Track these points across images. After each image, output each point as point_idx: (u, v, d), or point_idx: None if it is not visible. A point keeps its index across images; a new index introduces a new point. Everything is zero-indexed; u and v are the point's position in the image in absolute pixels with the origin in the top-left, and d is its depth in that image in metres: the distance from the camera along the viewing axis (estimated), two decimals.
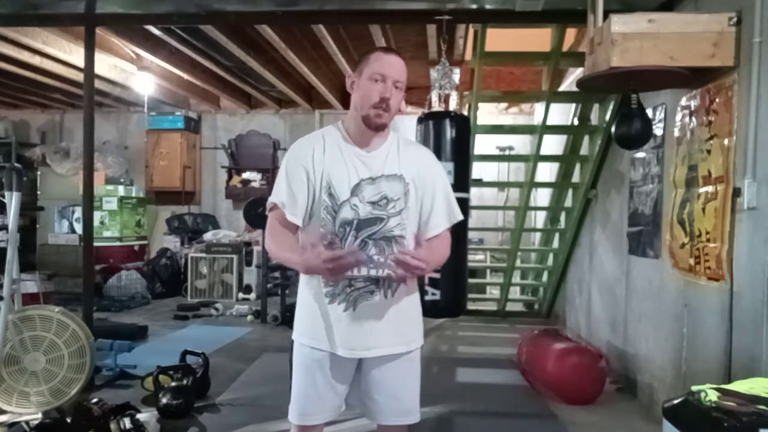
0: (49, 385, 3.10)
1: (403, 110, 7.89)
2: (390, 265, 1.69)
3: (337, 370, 1.80)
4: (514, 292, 6.80)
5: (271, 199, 1.80)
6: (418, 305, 1.89)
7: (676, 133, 3.29)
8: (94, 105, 4.18)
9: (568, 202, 5.59)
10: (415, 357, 1.86)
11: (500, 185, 7.55)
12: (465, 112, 5.12)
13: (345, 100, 8.01)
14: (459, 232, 2.17)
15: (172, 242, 8.04)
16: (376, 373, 1.80)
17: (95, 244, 4.55)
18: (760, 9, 2.49)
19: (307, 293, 1.83)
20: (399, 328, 1.81)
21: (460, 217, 1.88)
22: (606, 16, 2.91)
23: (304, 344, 1.85)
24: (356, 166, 1.76)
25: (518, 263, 6.26)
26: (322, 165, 1.76)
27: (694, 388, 1.89)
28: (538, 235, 6.89)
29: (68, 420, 3.02)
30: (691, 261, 3.01)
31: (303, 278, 1.84)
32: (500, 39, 4.52)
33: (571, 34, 4.86)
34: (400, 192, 1.78)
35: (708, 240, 2.83)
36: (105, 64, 5.96)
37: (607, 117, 4.64)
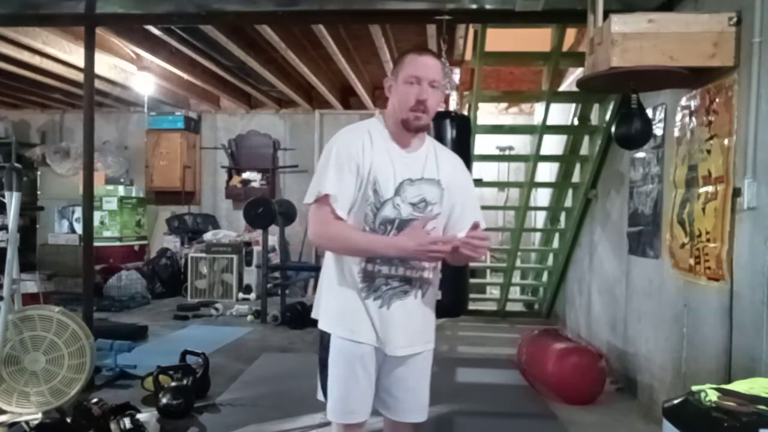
0: (49, 385, 3.10)
1: None
2: (423, 266, 1.77)
3: (374, 365, 1.81)
4: (514, 292, 6.80)
5: (320, 189, 1.73)
6: (434, 305, 1.93)
7: (676, 133, 3.29)
8: (94, 105, 4.18)
9: (568, 202, 5.58)
10: (430, 356, 1.92)
11: (500, 185, 7.56)
12: (465, 112, 5.13)
13: (345, 100, 8.03)
14: None
15: (172, 242, 8.04)
16: (401, 371, 1.83)
17: (95, 244, 4.55)
18: (760, 9, 2.49)
19: (342, 287, 1.79)
20: (423, 328, 1.86)
21: (484, 226, 1.80)
22: (606, 16, 2.91)
23: (345, 338, 1.78)
24: (399, 165, 1.77)
25: (518, 263, 6.26)
26: (370, 159, 1.75)
27: (694, 388, 1.89)
28: (538, 235, 6.89)
29: (68, 420, 3.03)
30: (691, 261, 3.01)
31: (335, 271, 1.81)
32: (500, 39, 4.52)
33: (571, 34, 4.86)
34: (438, 196, 1.81)
35: (708, 240, 2.83)
36: (105, 64, 5.96)
37: (607, 117, 4.64)
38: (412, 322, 1.81)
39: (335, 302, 1.82)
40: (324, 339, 1.83)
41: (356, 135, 1.79)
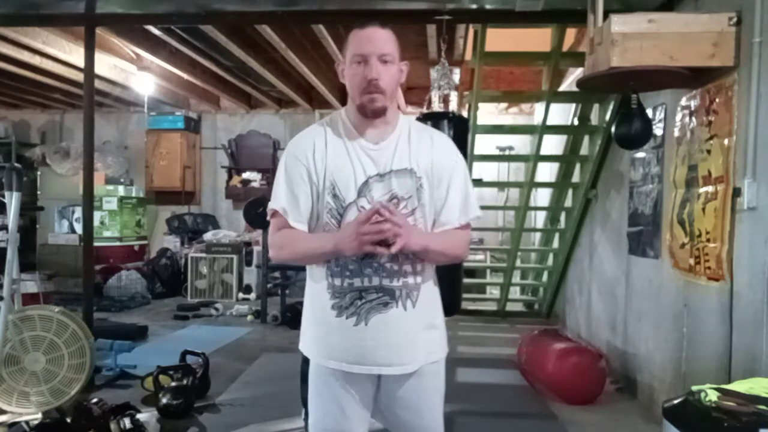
0: (49, 385, 3.10)
1: (403, 109, 7.90)
2: (404, 272, 1.56)
3: (358, 386, 1.61)
4: (514, 292, 6.79)
5: (271, 205, 1.61)
6: (440, 310, 1.69)
7: (676, 133, 3.29)
8: (94, 105, 4.18)
9: (568, 202, 5.58)
10: (438, 369, 1.67)
11: (500, 185, 7.56)
12: (465, 112, 5.13)
13: (345, 100, 7.97)
14: None
15: (172, 242, 8.04)
16: (397, 389, 1.62)
17: (95, 244, 4.56)
18: (760, 9, 2.49)
19: (313, 305, 1.64)
20: (420, 340, 1.61)
21: (477, 212, 1.66)
22: (606, 16, 2.91)
23: (319, 363, 1.64)
24: (362, 161, 1.56)
25: (518, 263, 6.25)
26: (324, 162, 1.57)
27: (694, 388, 1.89)
28: (538, 235, 6.89)
29: (68, 420, 3.03)
30: (691, 261, 3.01)
31: (308, 288, 1.67)
32: (500, 39, 4.51)
33: (571, 34, 4.85)
34: (412, 189, 1.57)
35: (708, 240, 2.83)
36: (105, 64, 5.96)
37: (607, 117, 4.64)
38: (399, 337, 1.57)
39: (306, 321, 1.68)
40: (306, 358, 1.71)
41: (307, 136, 1.63)
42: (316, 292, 1.63)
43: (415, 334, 1.60)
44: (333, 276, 1.59)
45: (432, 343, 1.65)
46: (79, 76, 5.39)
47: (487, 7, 3.76)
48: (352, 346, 1.57)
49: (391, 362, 1.58)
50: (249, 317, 6.25)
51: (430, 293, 1.64)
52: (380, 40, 1.55)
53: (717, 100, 2.82)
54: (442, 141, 1.67)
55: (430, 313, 1.64)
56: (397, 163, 1.57)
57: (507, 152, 7.37)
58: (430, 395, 1.66)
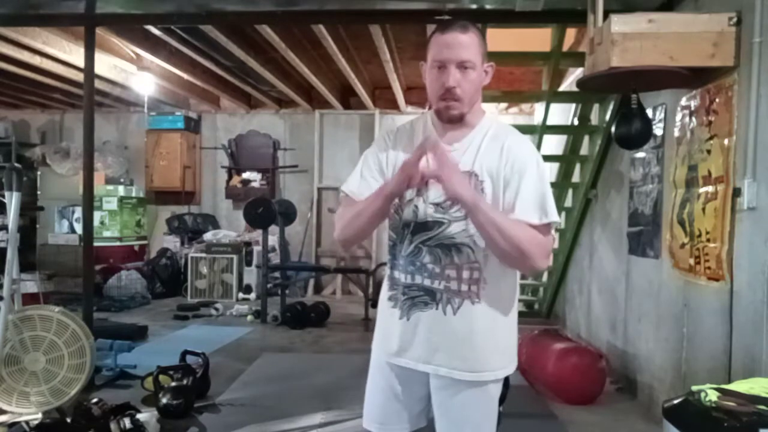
0: (49, 385, 3.10)
1: (404, 111, 7.90)
2: (447, 276, 1.53)
3: (401, 381, 1.64)
4: None
5: (342, 187, 1.65)
6: (504, 328, 1.64)
7: (676, 133, 3.29)
8: (94, 105, 4.18)
9: (568, 202, 5.58)
10: (487, 389, 1.60)
11: None
12: None
13: (345, 100, 8.02)
14: None
15: (172, 242, 8.04)
16: (438, 394, 1.62)
17: (95, 244, 4.55)
18: (760, 9, 2.49)
19: (382, 297, 1.69)
20: (465, 352, 1.56)
21: (555, 217, 1.53)
22: (606, 16, 2.91)
23: (374, 348, 1.71)
24: (430, 162, 1.52)
25: None
26: (395, 159, 1.60)
27: (694, 388, 1.89)
28: None
29: (68, 420, 3.03)
30: (691, 261, 3.01)
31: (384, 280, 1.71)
32: (500, 39, 4.51)
33: (571, 34, 4.85)
34: None
35: (708, 240, 2.83)
36: (105, 64, 5.95)
37: (607, 117, 4.63)
38: (438, 339, 1.56)
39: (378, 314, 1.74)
40: None
41: (392, 133, 1.68)
42: (385, 282, 1.69)
43: (457, 341, 1.56)
44: (392, 268, 1.65)
45: (482, 361, 1.58)
46: (79, 76, 5.39)
47: (487, 7, 3.76)
48: (394, 336, 1.62)
49: (427, 360, 1.58)
50: (249, 317, 6.25)
51: (484, 306, 1.57)
52: (460, 46, 1.51)
53: (717, 100, 2.82)
54: (515, 144, 1.58)
55: (483, 326, 1.57)
56: (462, 165, 1.55)
57: None
58: (470, 411, 1.59)
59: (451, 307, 1.56)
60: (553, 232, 1.57)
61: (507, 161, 1.54)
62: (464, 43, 1.51)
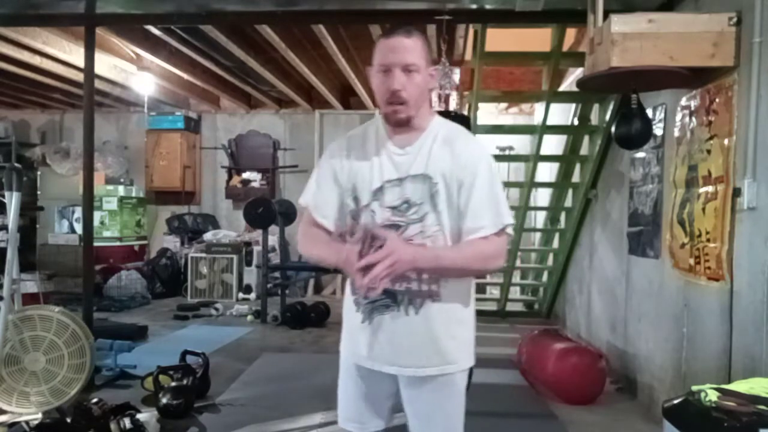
0: (49, 385, 3.10)
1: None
2: (407, 278, 1.55)
3: (370, 381, 1.68)
4: (514, 292, 6.79)
5: (300, 200, 1.70)
6: (464, 322, 1.68)
7: (676, 133, 3.29)
8: (94, 105, 4.18)
9: (568, 202, 5.58)
10: (453, 381, 1.64)
11: None
12: (465, 112, 5.13)
13: (345, 100, 8.03)
14: None
15: (172, 242, 8.04)
16: (407, 392, 1.66)
17: (95, 244, 4.55)
18: (760, 9, 2.49)
19: (346, 298, 1.72)
20: (429, 349, 1.60)
21: (508, 220, 1.56)
22: (606, 16, 2.91)
23: (341, 351, 1.75)
24: (383, 167, 1.59)
25: (518, 263, 6.25)
26: (350, 166, 1.63)
27: (694, 388, 1.89)
28: (538, 235, 6.89)
29: (68, 420, 3.02)
30: (691, 261, 3.01)
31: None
32: (500, 39, 4.51)
33: (571, 34, 4.85)
34: (425, 194, 1.55)
35: (708, 240, 2.83)
36: (105, 64, 5.95)
37: (607, 117, 4.64)
38: (402, 340, 1.59)
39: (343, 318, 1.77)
40: None
41: (344, 140, 1.70)
42: (348, 288, 1.71)
43: (421, 339, 1.59)
44: None
45: (446, 355, 1.62)
46: (79, 76, 5.39)
47: (487, 7, 3.76)
48: (360, 340, 1.65)
49: (392, 362, 1.62)
50: (249, 317, 6.25)
51: (443, 304, 1.61)
52: (404, 50, 1.53)
53: (717, 100, 2.82)
54: (465, 145, 1.60)
55: (439, 323, 1.60)
56: (415, 168, 1.57)
57: (507, 152, 7.35)
58: (440, 405, 1.64)
59: (413, 307, 1.59)
60: (508, 230, 1.59)
61: (458, 163, 1.56)
62: (408, 47, 1.53)
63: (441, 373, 1.61)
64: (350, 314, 1.69)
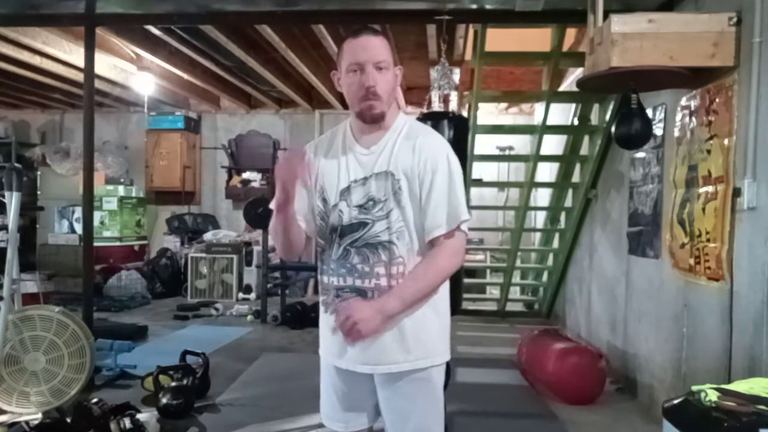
0: (49, 385, 3.10)
1: (404, 109, 7.90)
2: (376, 274, 1.58)
3: (348, 381, 1.69)
4: (514, 292, 6.79)
5: (270, 205, 1.68)
6: (436, 317, 1.65)
7: (676, 133, 3.29)
8: (94, 105, 4.18)
9: (568, 202, 5.59)
10: (428, 376, 1.64)
11: (500, 185, 7.55)
12: (465, 112, 5.13)
13: (345, 100, 8.01)
14: None
15: (172, 242, 8.04)
16: (383, 390, 1.66)
17: (95, 244, 4.55)
18: (760, 9, 2.49)
19: (319, 299, 1.75)
20: (399, 345, 1.60)
21: (464, 216, 1.60)
22: (606, 16, 2.91)
23: (320, 351, 1.76)
24: (350, 167, 1.63)
25: (518, 263, 6.25)
26: (317, 168, 1.67)
27: (694, 388, 1.89)
28: (538, 235, 6.89)
29: (68, 420, 3.02)
30: (691, 261, 3.01)
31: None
32: (500, 39, 4.52)
33: (571, 34, 4.86)
34: (389, 191, 1.58)
35: (708, 240, 2.83)
36: (105, 64, 5.96)
37: (607, 117, 4.64)
38: (376, 337, 1.57)
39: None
40: None
41: (314, 143, 1.75)
42: (319, 288, 1.73)
43: (393, 336, 1.59)
44: (321, 273, 1.70)
45: (419, 351, 1.61)
46: (79, 76, 5.39)
47: (487, 7, 3.76)
48: (333, 340, 1.66)
49: (364, 361, 1.62)
50: (249, 317, 6.25)
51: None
52: (375, 47, 1.58)
53: (717, 100, 2.82)
54: (426, 142, 1.62)
55: (409, 318, 1.60)
56: (379, 166, 1.61)
57: (507, 152, 7.36)
58: (416, 400, 1.63)
59: None
60: (463, 226, 1.61)
61: (420, 159, 1.59)
62: (377, 45, 1.58)
63: (413, 368, 1.61)
64: (323, 315, 1.70)
